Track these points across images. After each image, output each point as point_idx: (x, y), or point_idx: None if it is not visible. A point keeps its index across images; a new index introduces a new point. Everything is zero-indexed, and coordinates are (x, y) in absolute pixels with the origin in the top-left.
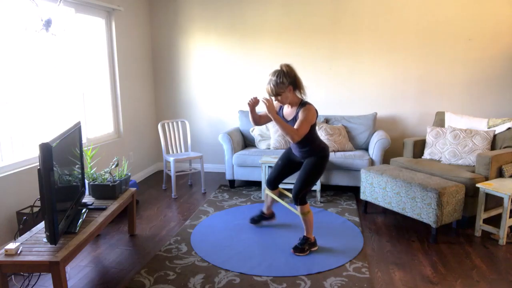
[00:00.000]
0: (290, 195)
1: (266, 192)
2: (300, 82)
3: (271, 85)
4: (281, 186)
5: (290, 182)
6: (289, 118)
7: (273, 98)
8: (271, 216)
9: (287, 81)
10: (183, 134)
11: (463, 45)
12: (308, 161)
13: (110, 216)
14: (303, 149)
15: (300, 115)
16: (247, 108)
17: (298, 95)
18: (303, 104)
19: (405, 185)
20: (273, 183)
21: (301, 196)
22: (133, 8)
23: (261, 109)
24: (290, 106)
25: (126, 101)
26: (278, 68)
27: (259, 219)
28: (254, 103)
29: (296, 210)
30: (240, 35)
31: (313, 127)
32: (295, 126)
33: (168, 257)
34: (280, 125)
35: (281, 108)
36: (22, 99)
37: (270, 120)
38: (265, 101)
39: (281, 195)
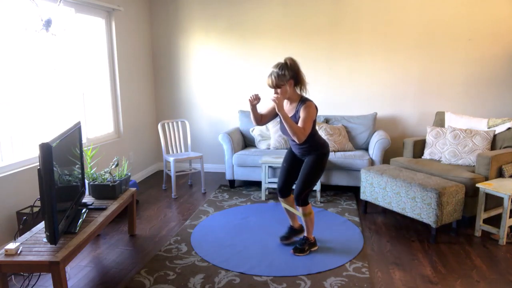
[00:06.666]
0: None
1: (282, 205)
2: (302, 78)
3: (272, 77)
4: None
5: None
6: (289, 115)
7: (273, 91)
8: (300, 229)
9: (288, 74)
10: (183, 134)
11: (463, 45)
12: (308, 160)
13: (110, 216)
14: (303, 146)
15: (302, 113)
16: (248, 108)
17: (298, 91)
18: (303, 100)
19: (405, 185)
20: (284, 189)
21: (303, 197)
22: (133, 8)
23: (260, 108)
24: (289, 103)
25: (126, 101)
26: (282, 61)
27: (289, 235)
28: (255, 99)
29: (298, 211)
30: (240, 35)
31: (313, 124)
32: (299, 125)
33: (168, 257)
34: (289, 124)
35: None
36: (22, 99)
37: (272, 120)
38: (275, 99)
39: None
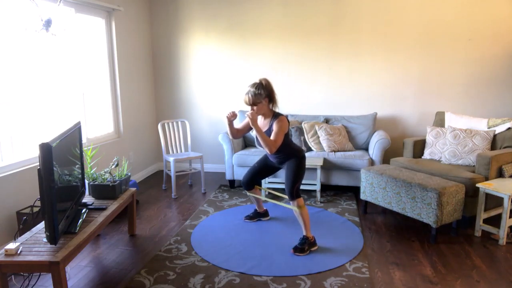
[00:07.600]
0: (284, 195)
1: (248, 193)
2: (275, 97)
3: (250, 95)
4: (272, 186)
5: (281, 182)
6: (264, 129)
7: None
8: (264, 213)
9: (264, 93)
10: (183, 134)
11: (463, 45)
12: (290, 164)
13: (110, 216)
14: (279, 155)
15: (275, 126)
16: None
17: (271, 107)
18: (276, 116)
19: (405, 185)
20: (248, 184)
21: (295, 191)
22: (133, 8)
23: (237, 122)
24: (263, 118)
25: (126, 101)
26: (257, 81)
27: (254, 216)
28: (232, 115)
29: (290, 205)
30: (240, 35)
31: (286, 135)
32: (272, 138)
33: (168, 257)
34: (262, 137)
35: None
36: (22, 99)
37: (246, 133)
38: (249, 115)
39: (277, 197)
